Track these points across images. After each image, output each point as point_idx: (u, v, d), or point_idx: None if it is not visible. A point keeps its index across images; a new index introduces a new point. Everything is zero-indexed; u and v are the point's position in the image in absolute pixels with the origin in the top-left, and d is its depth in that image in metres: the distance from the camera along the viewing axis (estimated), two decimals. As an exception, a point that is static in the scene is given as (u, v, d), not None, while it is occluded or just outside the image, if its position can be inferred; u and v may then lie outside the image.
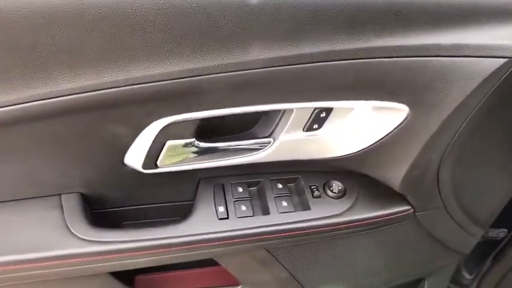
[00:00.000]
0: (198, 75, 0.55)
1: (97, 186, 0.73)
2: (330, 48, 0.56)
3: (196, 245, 0.72)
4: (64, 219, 0.70)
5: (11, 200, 0.71)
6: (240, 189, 0.77)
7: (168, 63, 0.54)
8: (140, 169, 0.67)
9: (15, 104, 0.54)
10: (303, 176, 0.80)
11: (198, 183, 0.79)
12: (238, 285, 0.88)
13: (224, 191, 0.77)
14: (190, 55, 0.54)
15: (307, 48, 0.56)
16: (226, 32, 0.53)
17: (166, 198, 0.80)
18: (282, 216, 0.74)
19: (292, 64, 0.57)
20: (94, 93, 0.55)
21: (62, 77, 0.53)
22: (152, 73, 0.54)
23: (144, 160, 0.66)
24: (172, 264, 0.82)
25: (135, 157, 0.66)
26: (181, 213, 0.81)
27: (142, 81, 0.55)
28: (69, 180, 0.71)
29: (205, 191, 0.77)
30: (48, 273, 0.69)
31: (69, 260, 0.68)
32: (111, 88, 0.55)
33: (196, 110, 0.61)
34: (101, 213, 0.78)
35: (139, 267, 0.73)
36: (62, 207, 0.71)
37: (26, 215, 0.70)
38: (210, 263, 0.82)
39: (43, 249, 0.67)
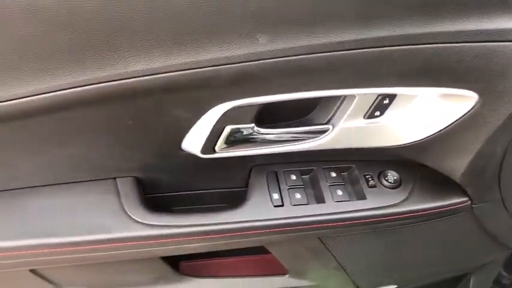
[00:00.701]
0: (266, 59, 0.54)
1: (151, 171, 0.73)
2: (402, 32, 0.54)
3: (250, 232, 0.71)
4: (120, 203, 0.70)
5: (68, 183, 0.72)
6: (294, 177, 0.76)
7: (239, 46, 0.53)
8: (198, 154, 0.67)
9: (85, 85, 0.54)
10: (356, 165, 0.78)
11: (250, 170, 0.78)
12: (284, 274, 0.88)
13: (277, 179, 0.76)
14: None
15: (379, 32, 0.54)
16: (295, 14, 0.52)
17: (217, 184, 0.80)
18: (337, 205, 0.73)
19: (362, 48, 0.55)
20: (162, 75, 0.54)
21: (132, 58, 0.52)
22: (222, 55, 0.53)
23: (204, 145, 0.65)
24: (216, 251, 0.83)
25: (193, 142, 0.66)
26: (231, 199, 0.81)
27: (210, 64, 0.54)
28: (125, 164, 0.71)
29: (258, 178, 0.76)
30: (103, 255, 0.70)
31: (126, 243, 0.68)
32: (179, 71, 0.54)
33: (261, 95, 0.59)
34: (152, 197, 0.78)
35: (193, 252, 0.73)
36: (117, 190, 0.71)
37: (83, 198, 0.70)
38: (252, 251, 0.82)
39: (101, 232, 0.67)
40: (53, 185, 0.72)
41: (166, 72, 0.53)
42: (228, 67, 0.54)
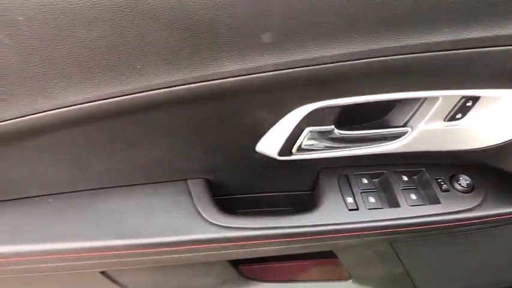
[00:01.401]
0: (361, 59, 0.53)
1: (221, 173, 0.73)
2: (503, 33, 0.53)
3: (323, 236, 0.70)
4: (194, 205, 0.70)
5: (139, 184, 0.72)
6: (365, 181, 0.75)
7: (333, 46, 0.52)
8: (274, 156, 0.66)
9: (177, 85, 0.54)
10: (426, 169, 0.77)
11: (318, 174, 0.77)
12: (346, 279, 0.87)
13: (349, 182, 0.75)
14: (356, 38, 0.52)
15: (478, 32, 0.53)
16: (400, 15, 0.51)
17: (284, 187, 0.79)
18: (412, 210, 0.71)
19: (460, 48, 0.54)
20: (254, 76, 0.54)
21: (227, 58, 0.52)
22: (313, 56, 0.53)
23: (282, 147, 0.65)
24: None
25: (270, 143, 0.65)
26: (296, 202, 0.80)
27: (304, 65, 0.53)
28: (197, 165, 0.71)
29: (328, 181, 0.75)
30: (176, 258, 0.69)
31: (201, 245, 0.68)
32: (270, 71, 0.54)
33: (348, 96, 0.59)
34: (217, 200, 0.78)
35: (264, 255, 0.72)
36: (189, 192, 0.71)
37: (156, 199, 0.70)
38: (310, 255, 0.81)
39: (176, 234, 0.67)
40: (125, 186, 0.72)
41: (260, 73, 0.53)
42: (321, 67, 0.54)
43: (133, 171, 0.70)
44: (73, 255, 0.67)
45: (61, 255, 0.66)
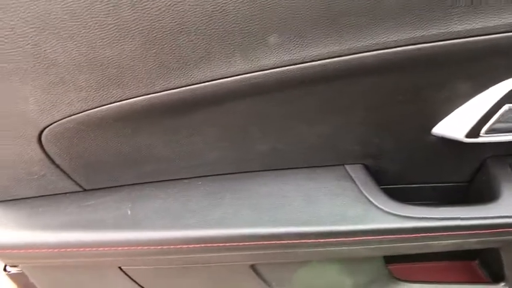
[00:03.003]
0: None
1: (380, 159, 0.66)
2: None
3: (506, 229, 0.63)
4: (360, 191, 0.63)
5: (300, 168, 0.66)
6: None
7: None
8: (460, 138, 0.59)
9: (365, 51, 0.47)
10: None
11: (482, 162, 0.70)
12: (498, 282, 0.79)
13: None
14: None
15: None
16: None
17: (438, 177, 0.72)
18: None
19: None
20: (464, 40, 0.47)
21: (430, 20, 0.45)
22: None
23: (473, 127, 0.58)
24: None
25: (456, 124, 0.59)
26: (441, 195, 0.73)
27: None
28: (360, 148, 0.64)
29: (501, 170, 0.68)
30: (340, 250, 0.63)
31: (376, 237, 0.61)
32: (479, 36, 0.47)
33: None
34: None
35: (439, 250, 0.65)
36: (351, 177, 0.65)
37: (317, 184, 0.64)
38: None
39: (349, 223, 0.61)
40: (282, 170, 0.66)
41: (466, 37, 0.46)
42: None
43: (295, 152, 0.63)
44: (228, 244, 0.61)
45: (219, 244, 0.60)
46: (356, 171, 0.65)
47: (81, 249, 0.60)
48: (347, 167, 0.66)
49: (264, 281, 0.69)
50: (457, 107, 0.57)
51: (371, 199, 0.62)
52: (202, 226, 0.60)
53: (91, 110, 0.51)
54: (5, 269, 0.82)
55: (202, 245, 0.60)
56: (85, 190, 0.64)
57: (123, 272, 0.66)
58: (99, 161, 0.59)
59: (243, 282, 0.69)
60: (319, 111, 0.57)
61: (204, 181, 0.64)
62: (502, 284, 0.78)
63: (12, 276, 0.82)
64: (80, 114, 0.51)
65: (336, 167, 0.66)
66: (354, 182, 0.64)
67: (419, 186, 0.74)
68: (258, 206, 0.62)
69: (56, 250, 0.60)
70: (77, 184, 0.62)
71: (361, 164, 0.66)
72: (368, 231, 0.60)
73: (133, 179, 0.63)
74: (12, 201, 0.63)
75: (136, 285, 0.69)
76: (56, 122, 0.52)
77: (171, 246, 0.60)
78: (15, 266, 0.81)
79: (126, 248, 0.60)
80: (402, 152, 0.65)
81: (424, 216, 0.61)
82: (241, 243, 0.60)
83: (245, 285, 0.69)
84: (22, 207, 0.63)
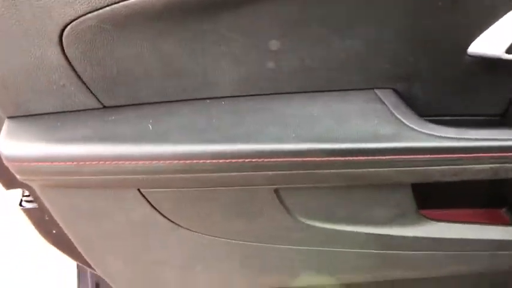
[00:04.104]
0: None
1: (415, 83, 0.63)
2: None
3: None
4: (392, 113, 0.60)
5: (325, 91, 0.63)
6: None
7: None
8: (499, 54, 0.56)
9: None
10: None
11: None
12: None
13: None
14: None
15: None
16: None
17: (470, 108, 0.69)
18: None
19: None
20: None
21: None
22: None
23: None
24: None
25: (494, 39, 0.55)
26: None
27: None
28: (389, 69, 0.61)
29: None
30: (368, 173, 0.60)
31: (407, 156, 0.58)
32: None
33: None
34: None
35: (473, 177, 0.62)
36: (381, 100, 0.62)
37: (346, 105, 0.61)
38: None
39: (381, 140, 0.58)
40: (305, 92, 0.63)
41: None
42: None
43: (323, 70, 0.60)
44: (255, 160, 0.58)
45: (244, 160, 0.58)
46: (386, 95, 0.62)
47: (100, 162, 0.58)
48: (377, 91, 0.63)
49: (287, 208, 0.67)
50: (500, 18, 0.54)
51: (403, 120, 0.59)
52: (226, 141, 0.58)
53: (116, 4, 0.49)
54: (20, 204, 0.81)
55: (226, 161, 0.57)
56: (105, 107, 0.61)
57: (142, 195, 0.64)
58: (119, 71, 0.57)
59: (266, 209, 0.66)
60: (350, 19, 0.54)
61: (227, 101, 0.62)
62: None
63: (27, 212, 0.80)
64: (105, 8, 0.49)
65: (366, 91, 0.63)
66: (385, 104, 0.61)
67: (450, 119, 0.71)
68: (283, 124, 0.59)
69: (73, 163, 0.58)
70: (97, 99, 0.60)
71: (392, 89, 0.63)
72: (400, 150, 0.57)
73: (155, 95, 0.61)
74: (29, 116, 0.61)
75: (156, 212, 0.67)
76: (78, 17, 0.50)
77: (194, 161, 0.57)
78: (31, 202, 0.80)
79: (147, 162, 0.58)
80: (436, 75, 0.62)
81: (460, 136, 0.57)
82: (265, 159, 0.58)
83: (267, 213, 0.67)
84: (39, 122, 0.61)
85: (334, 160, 0.58)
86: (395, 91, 0.63)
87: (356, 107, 0.61)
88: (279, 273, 0.78)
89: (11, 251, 1.46)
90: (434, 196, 0.79)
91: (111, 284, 0.87)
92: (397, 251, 0.72)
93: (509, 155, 0.58)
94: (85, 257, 0.80)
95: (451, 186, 0.69)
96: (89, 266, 0.83)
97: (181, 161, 0.57)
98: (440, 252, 0.73)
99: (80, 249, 0.78)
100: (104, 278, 0.85)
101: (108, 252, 0.79)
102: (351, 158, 0.58)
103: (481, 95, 0.66)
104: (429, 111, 0.68)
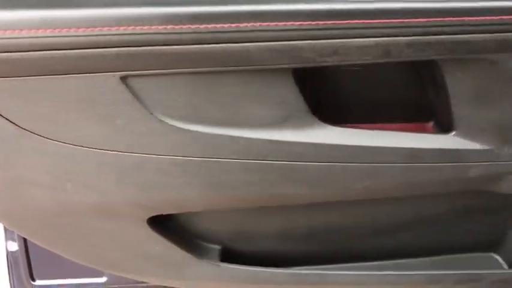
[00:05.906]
0: None
1: None
2: None
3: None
4: None
5: None
6: None
7: None
8: None
9: None
10: None
11: None
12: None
13: None
14: None
15: None
16: None
17: None
18: None
19: None
20: None
21: None
22: None
23: None
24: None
25: None
26: None
27: None
28: None
29: None
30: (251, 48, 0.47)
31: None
32: None
33: None
34: None
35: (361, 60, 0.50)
36: None
37: None
38: None
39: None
40: None
41: None
42: None
43: None
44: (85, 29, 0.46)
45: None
46: None
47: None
48: None
49: (144, 105, 0.54)
50: None
51: None
52: None
53: None
54: None
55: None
56: None
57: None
58: None
59: (119, 106, 0.54)
60: None
61: None
62: (452, 133, 0.64)
63: None
64: None
65: None
66: None
67: None
68: None
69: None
70: None
71: None
72: (259, 14, 0.45)
73: None
74: None
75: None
76: None
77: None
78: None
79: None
80: None
81: None
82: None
83: (121, 110, 0.55)
84: None
85: (181, 29, 0.46)
86: None
87: None
88: (159, 192, 0.65)
89: None
90: (362, 111, 0.68)
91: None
92: (288, 162, 0.60)
93: (400, 22, 0.46)
94: None
95: (379, 101, 0.63)
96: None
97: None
98: (341, 164, 0.62)
99: None
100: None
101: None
102: (199, 27, 0.45)
103: None
104: None
